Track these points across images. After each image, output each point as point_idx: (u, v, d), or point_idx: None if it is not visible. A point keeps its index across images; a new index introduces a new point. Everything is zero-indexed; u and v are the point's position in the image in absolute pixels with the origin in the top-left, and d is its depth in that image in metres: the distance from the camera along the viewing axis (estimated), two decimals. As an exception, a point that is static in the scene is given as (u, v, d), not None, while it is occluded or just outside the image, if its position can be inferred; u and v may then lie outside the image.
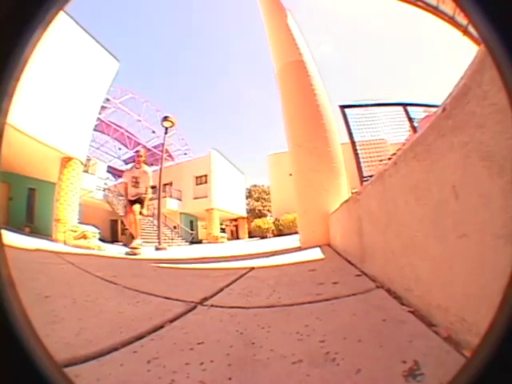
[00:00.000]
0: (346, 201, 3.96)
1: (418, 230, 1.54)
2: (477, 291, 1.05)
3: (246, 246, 12.72)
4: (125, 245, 10.19)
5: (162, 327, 1.72)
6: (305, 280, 2.89)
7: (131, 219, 9.54)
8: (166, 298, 2.48)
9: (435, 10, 12.06)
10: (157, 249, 12.99)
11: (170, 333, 1.66)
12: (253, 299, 2.33)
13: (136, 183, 9.73)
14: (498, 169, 0.90)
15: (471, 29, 11.91)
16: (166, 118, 17.43)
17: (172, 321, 1.83)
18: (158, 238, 14.79)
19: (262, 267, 4.11)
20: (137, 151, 10.59)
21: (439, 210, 1.29)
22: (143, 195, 9.92)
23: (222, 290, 2.70)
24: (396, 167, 1.85)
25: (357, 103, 8.33)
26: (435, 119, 1.29)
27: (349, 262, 3.55)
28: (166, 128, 17.62)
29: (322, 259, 4.29)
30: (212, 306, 2.19)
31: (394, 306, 1.70)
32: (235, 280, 3.14)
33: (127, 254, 8.55)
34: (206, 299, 2.36)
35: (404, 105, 8.45)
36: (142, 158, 10.08)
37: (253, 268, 3.94)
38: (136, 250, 8.87)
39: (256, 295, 2.44)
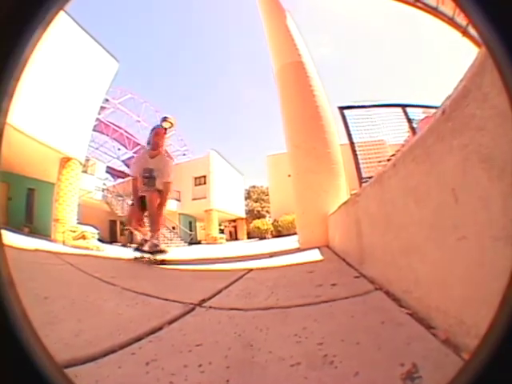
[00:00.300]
0: (345, 202, 3.98)
1: (417, 232, 1.54)
2: (476, 293, 1.06)
3: (244, 247, 12.70)
4: (138, 249, 6.51)
5: (160, 329, 1.72)
6: (303, 281, 2.91)
7: (152, 213, 6.09)
8: (165, 299, 2.47)
9: (435, 11, 12.11)
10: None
11: (169, 335, 1.67)
12: (251, 301, 2.34)
13: (149, 178, 6.33)
14: (497, 172, 0.90)
15: (471, 30, 11.98)
16: (165, 119, 17.31)
17: (170, 322, 1.84)
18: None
19: (261, 268, 4.11)
20: (156, 127, 6.77)
21: (439, 213, 1.30)
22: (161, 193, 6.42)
23: (220, 291, 2.70)
24: (395, 169, 1.85)
25: (356, 104, 8.36)
26: (435, 122, 1.29)
27: (347, 263, 3.56)
28: (165, 129, 17.58)
29: (321, 260, 4.30)
30: (210, 307, 2.19)
31: (392, 308, 1.70)
32: (234, 281, 3.15)
33: (152, 261, 5.85)
34: (204, 301, 2.36)
35: (403, 106, 8.47)
36: (163, 141, 6.73)
37: (251, 269, 3.93)
38: (162, 255, 5.84)
39: (254, 297, 2.45)
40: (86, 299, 2.56)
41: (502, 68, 0.60)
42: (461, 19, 11.72)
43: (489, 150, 0.94)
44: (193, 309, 2.15)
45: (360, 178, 7.67)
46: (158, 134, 6.65)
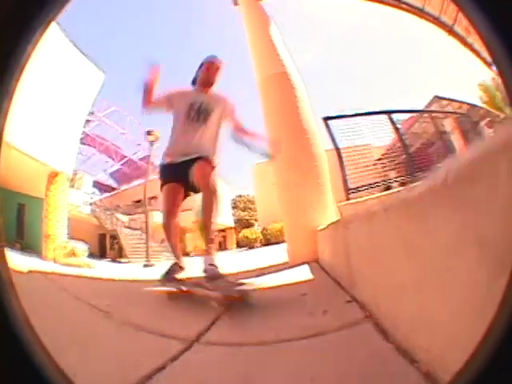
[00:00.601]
0: (336, 222, 4.05)
1: (405, 278, 1.63)
2: (455, 339, 1.14)
3: (233, 259, 12.72)
4: (169, 277, 4.06)
5: (163, 368, 1.79)
6: (295, 308, 2.97)
7: (211, 194, 3.58)
8: (163, 335, 2.49)
9: (421, 12, 12.28)
10: (145, 266, 12.79)
11: (173, 373, 1.75)
12: (245, 334, 2.44)
13: (200, 115, 4.03)
14: (489, 257, 0.94)
15: (456, 28, 12.18)
16: (148, 133, 17.28)
17: (172, 360, 1.89)
18: (147, 254, 14.61)
19: (251, 290, 4.05)
20: (208, 60, 4.37)
21: (427, 269, 1.37)
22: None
23: (213, 323, 2.72)
24: (387, 216, 1.89)
25: (341, 114, 8.39)
26: (434, 184, 1.28)
27: (338, 283, 3.61)
28: (152, 141, 17.47)
29: (312, 280, 4.35)
30: (208, 343, 2.26)
31: (380, 341, 1.79)
32: (224, 310, 3.14)
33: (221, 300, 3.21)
34: (201, 335, 2.40)
35: (388, 112, 8.58)
36: (217, 79, 4.37)
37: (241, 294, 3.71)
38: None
39: (248, 329, 2.56)
40: (85, 333, 2.60)
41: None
42: (446, 18, 11.94)
43: (486, 234, 0.96)
44: (191, 345, 2.19)
45: (346, 188, 7.70)
46: (210, 67, 4.33)
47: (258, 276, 5.16)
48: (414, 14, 12.44)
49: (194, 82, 4.47)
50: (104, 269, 11.26)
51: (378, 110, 8.82)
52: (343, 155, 7.61)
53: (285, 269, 5.78)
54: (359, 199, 7.01)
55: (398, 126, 8.32)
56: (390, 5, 12.33)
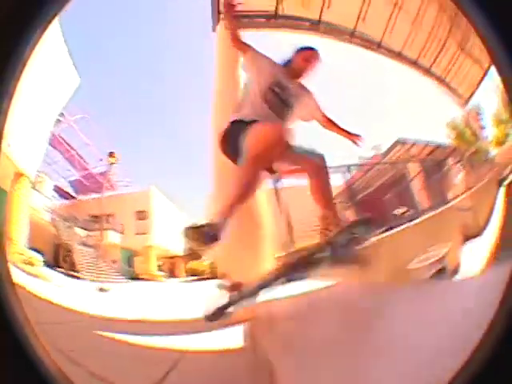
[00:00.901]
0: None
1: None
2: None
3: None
4: None
5: None
6: None
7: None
8: None
9: (398, 56, 12.42)
10: (101, 289, 12.55)
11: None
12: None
13: (281, 101, 3.52)
14: None
15: (435, 69, 12.41)
16: (110, 154, 17.48)
17: None
18: (99, 275, 14.39)
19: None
20: (311, 48, 3.91)
21: None
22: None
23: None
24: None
25: None
26: None
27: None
28: (112, 163, 17.72)
29: (241, 350, 4.09)
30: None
31: None
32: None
33: None
34: None
35: (348, 166, 8.93)
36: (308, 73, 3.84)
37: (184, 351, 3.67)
38: None
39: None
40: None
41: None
42: (425, 61, 12.16)
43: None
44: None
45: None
46: (312, 58, 3.77)
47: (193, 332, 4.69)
48: (392, 58, 12.46)
49: (286, 64, 3.86)
50: (60, 286, 11.01)
51: (336, 164, 9.07)
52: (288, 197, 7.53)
53: (222, 327, 5.43)
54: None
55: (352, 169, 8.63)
56: (363, 46, 12.31)
